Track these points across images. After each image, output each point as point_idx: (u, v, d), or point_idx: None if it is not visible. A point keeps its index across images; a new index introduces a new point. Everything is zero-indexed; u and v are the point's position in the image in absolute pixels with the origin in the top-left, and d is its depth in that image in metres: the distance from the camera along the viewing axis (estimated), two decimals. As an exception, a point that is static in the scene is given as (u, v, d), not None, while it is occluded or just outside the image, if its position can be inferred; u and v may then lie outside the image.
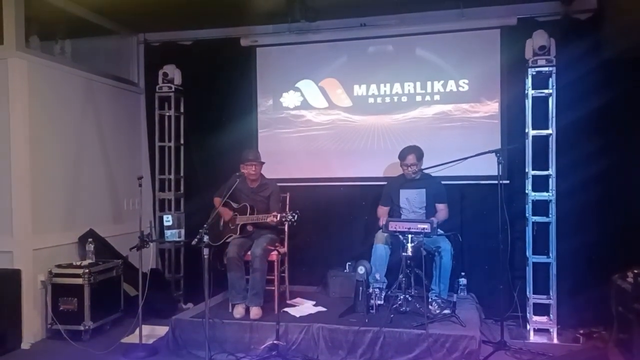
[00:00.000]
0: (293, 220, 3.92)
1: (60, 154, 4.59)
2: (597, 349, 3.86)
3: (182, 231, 4.23)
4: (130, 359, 3.83)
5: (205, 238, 3.42)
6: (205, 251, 3.41)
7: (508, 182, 4.52)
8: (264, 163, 4.42)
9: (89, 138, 4.95)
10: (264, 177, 4.49)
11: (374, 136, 5.05)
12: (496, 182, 3.97)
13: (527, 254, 4.29)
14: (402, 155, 4.41)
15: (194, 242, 3.47)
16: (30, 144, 4.23)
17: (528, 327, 4.25)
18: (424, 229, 3.85)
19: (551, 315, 4.23)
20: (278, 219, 3.99)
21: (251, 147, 5.03)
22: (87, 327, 4.21)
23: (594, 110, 4.37)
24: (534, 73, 4.21)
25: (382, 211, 4.51)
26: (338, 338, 3.73)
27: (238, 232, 4.24)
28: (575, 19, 4.59)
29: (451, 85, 4.90)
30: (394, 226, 3.96)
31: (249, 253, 4.15)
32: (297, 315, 4.07)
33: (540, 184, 4.26)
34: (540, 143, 4.25)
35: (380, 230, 4.26)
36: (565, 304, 4.27)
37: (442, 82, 4.92)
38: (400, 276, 3.91)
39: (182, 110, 5.43)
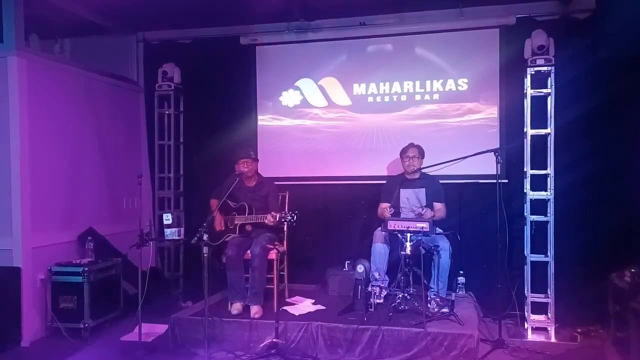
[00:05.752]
0: (292, 220, 3.88)
1: (60, 152, 4.59)
2: (595, 348, 3.89)
3: (182, 230, 4.22)
4: (129, 357, 3.84)
5: (205, 237, 3.43)
6: (205, 250, 3.42)
7: (506, 181, 4.54)
8: (257, 160, 4.42)
9: (89, 136, 4.95)
10: (261, 175, 4.50)
11: (373, 135, 5.06)
12: (494, 181, 3.98)
13: (525, 252, 4.30)
14: (404, 149, 4.45)
15: (193, 241, 3.48)
16: (30, 142, 4.23)
17: (526, 325, 4.26)
18: (422, 227, 3.86)
19: (549, 313, 4.24)
20: (277, 219, 3.95)
21: (250, 145, 5.00)
22: (86, 325, 4.21)
23: (592, 110, 4.39)
24: (533, 72, 4.22)
25: (385, 205, 4.40)
26: (337, 336, 3.75)
27: (237, 231, 4.26)
28: (574, 19, 4.61)
29: (450, 84, 4.92)
30: (392, 225, 3.96)
31: (248, 252, 4.16)
32: (296, 314, 4.08)
33: (539, 183, 4.27)
34: (539, 142, 4.26)
35: (379, 228, 4.27)
36: (563, 303, 4.27)
37: (441, 81, 4.93)
38: (399, 275, 3.92)
39: (181, 108, 5.43)
